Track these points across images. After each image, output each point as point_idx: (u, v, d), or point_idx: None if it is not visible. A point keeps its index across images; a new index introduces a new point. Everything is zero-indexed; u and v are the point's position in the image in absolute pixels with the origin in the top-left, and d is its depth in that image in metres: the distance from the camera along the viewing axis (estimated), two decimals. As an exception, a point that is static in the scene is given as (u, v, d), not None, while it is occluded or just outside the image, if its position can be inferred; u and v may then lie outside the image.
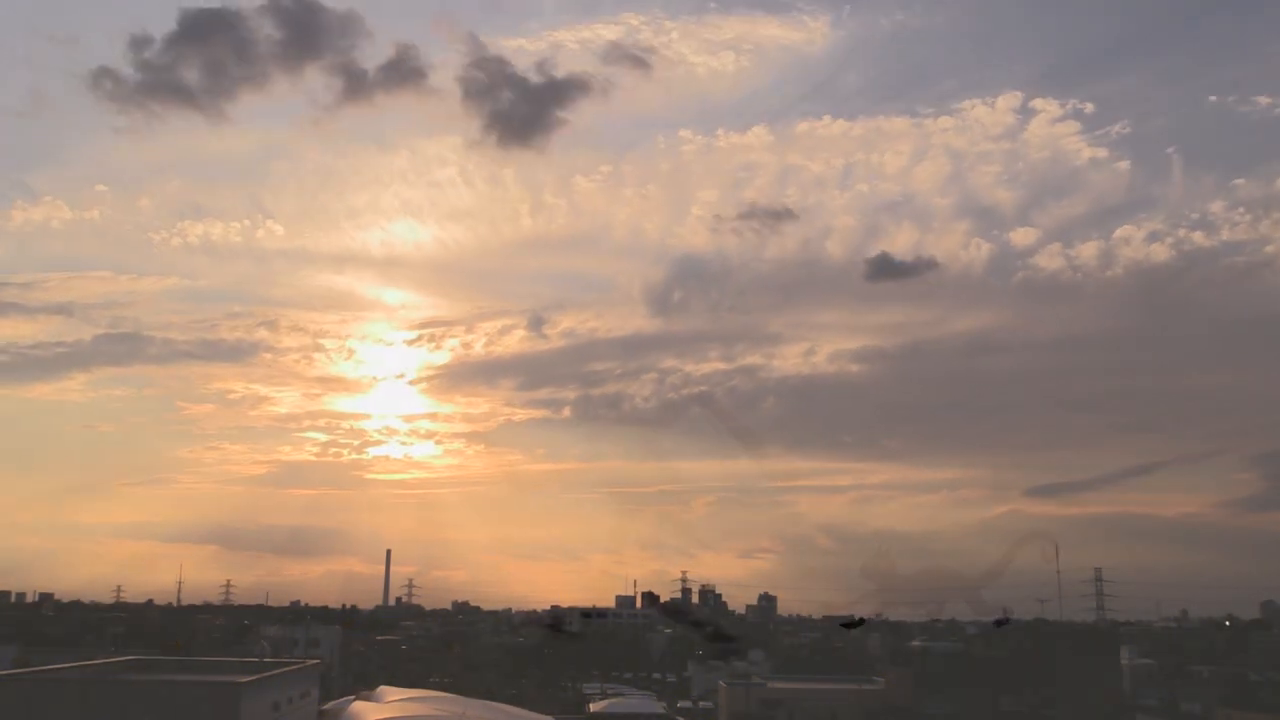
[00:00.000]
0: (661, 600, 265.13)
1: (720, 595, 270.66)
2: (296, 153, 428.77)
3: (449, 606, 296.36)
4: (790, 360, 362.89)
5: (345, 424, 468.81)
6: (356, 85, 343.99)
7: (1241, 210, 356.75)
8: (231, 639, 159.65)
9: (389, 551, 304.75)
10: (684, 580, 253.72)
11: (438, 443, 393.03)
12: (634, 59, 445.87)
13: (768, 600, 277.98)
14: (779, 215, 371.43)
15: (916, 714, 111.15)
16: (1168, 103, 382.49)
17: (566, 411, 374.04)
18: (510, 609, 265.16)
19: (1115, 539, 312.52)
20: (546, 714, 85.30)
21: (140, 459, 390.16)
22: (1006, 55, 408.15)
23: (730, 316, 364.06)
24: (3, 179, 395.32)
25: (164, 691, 49.94)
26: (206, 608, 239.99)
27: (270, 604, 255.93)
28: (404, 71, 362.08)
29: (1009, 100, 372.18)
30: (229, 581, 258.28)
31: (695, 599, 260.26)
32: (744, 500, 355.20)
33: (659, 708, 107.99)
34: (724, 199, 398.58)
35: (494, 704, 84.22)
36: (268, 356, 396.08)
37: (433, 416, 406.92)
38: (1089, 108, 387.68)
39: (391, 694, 75.84)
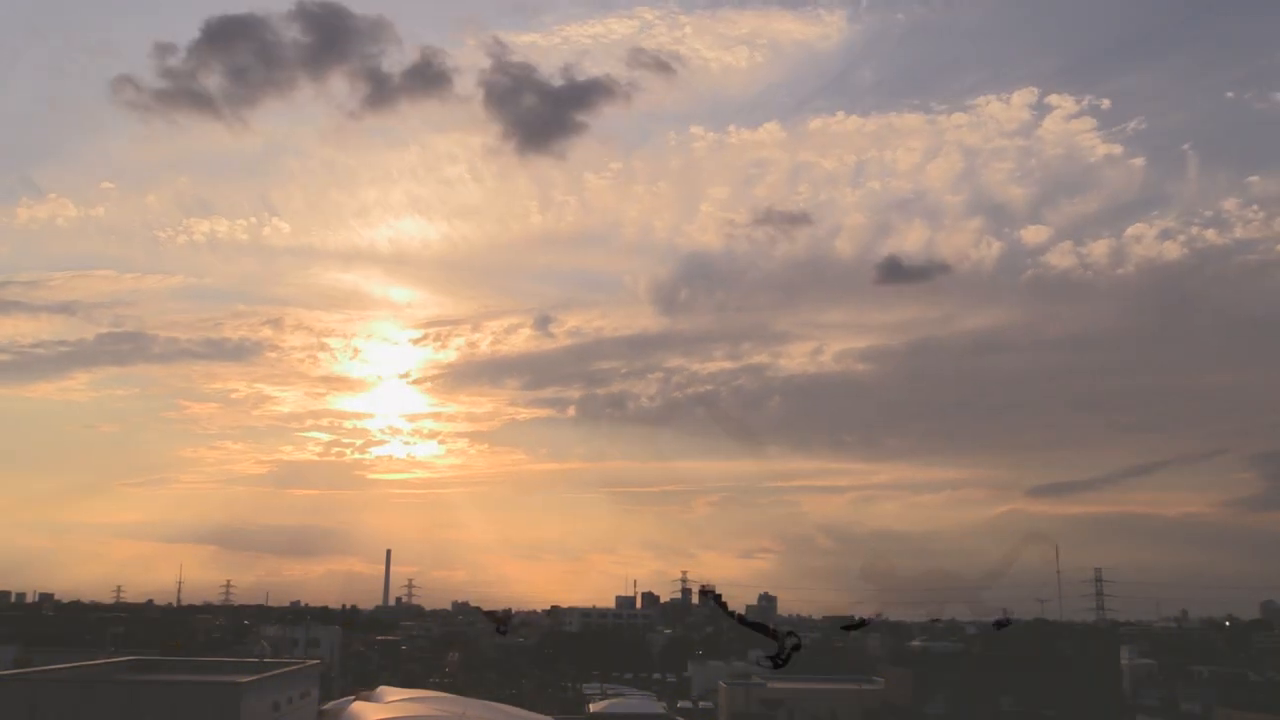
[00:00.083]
0: (663, 600, 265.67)
1: (720, 595, 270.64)
2: (304, 150, 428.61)
3: (449, 607, 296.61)
4: (796, 359, 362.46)
5: (348, 423, 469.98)
6: (379, 90, 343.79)
7: (1255, 207, 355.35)
8: (231, 639, 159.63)
9: (389, 551, 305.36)
10: (684, 580, 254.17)
11: (441, 442, 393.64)
12: (648, 56, 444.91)
13: (767, 600, 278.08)
14: (794, 219, 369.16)
15: (916, 714, 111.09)
16: (1184, 98, 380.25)
17: (571, 411, 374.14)
18: (510, 609, 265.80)
19: (1116, 539, 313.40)
20: (546, 714, 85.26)
21: (142, 459, 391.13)
22: (1024, 50, 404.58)
23: (738, 315, 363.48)
24: (9, 176, 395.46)
25: (164, 691, 49.93)
26: (206, 608, 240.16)
27: (270, 604, 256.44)
28: (428, 75, 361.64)
29: (1025, 96, 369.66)
30: (229, 581, 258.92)
31: (695, 599, 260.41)
32: (745, 500, 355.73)
33: (659, 708, 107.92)
34: (734, 196, 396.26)
35: (494, 704, 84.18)
36: (272, 356, 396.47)
37: (436, 416, 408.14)
38: (1105, 104, 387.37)
39: (391, 694, 75.79)
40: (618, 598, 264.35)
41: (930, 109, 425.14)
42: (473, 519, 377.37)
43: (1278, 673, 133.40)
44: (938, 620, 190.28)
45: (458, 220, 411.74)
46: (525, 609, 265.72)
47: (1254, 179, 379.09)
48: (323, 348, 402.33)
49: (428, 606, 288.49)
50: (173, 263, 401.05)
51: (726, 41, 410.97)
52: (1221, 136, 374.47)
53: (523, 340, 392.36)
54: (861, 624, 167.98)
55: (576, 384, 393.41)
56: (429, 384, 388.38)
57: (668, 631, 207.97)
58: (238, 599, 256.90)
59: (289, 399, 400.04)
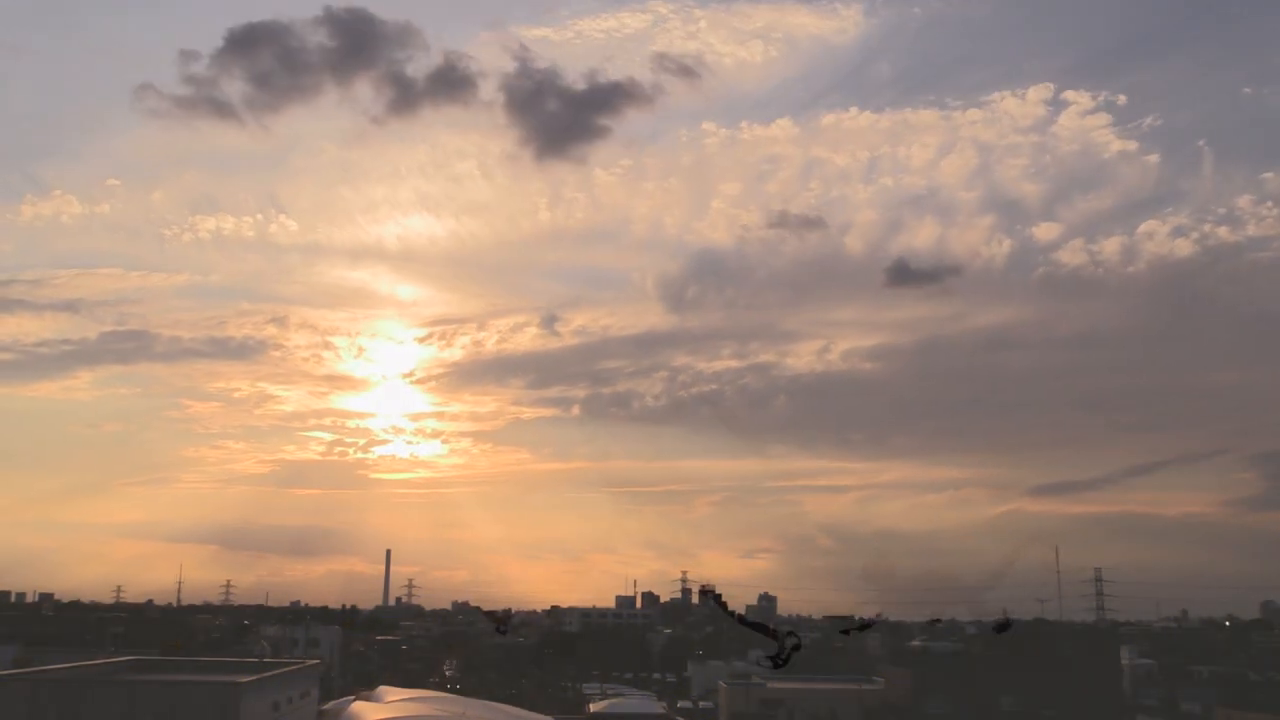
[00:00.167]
0: (663, 600, 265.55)
1: (719, 595, 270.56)
2: (313, 147, 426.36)
3: (449, 606, 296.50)
4: (804, 358, 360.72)
5: (351, 423, 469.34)
6: (404, 94, 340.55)
7: (1270, 204, 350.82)
8: (231, 639, 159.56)
9: (389, 551, 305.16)
10: (684, 580, 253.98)
11: (444, 441, 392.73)
12: (672, 62, 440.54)
13: (767, 600, 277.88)
14: (805, 216, 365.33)
15: (916, 714, 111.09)
16: (1200, 95, 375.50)
17: (576, 410, 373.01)
18: (510, 609, 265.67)
19: (1116, 538, 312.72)
20: (546, 714, 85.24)
21: (143, 458, 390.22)
22: (1041, 45, 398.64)
23: (746, 313, 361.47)
24: (13, 172, 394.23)
25: (164, 691, 49.91)
26: (206, 608, 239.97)
27: (270, 604, 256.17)
28: (449, 79, 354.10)
29: (1040, 92, 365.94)
30: (229, 581, 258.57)
31: (695, 599, 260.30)
32: (748, 500, 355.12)
33: (659, 708, 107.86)
34: (746, 193, 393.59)
35: (494, 704, 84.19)
36: (276, 354, 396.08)
37: (440, 415, 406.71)
38: (1121, 99, 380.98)
39: (391, 694, 75.81)
40: (618, 597, 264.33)
41: (945, 105, 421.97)
42: (475, 519, 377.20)
43: (1278, 673, 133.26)
44: (938, 621, 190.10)
45: (466, 217, 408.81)
46: (525, 609, 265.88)
47: (1268, 175, 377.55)
48: (327, 346, 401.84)
49: (428, 606, 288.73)
50: (178, 260, 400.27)
51: (741, 36, 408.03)
52: (1237, 133, 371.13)
53: (529, 339, 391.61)
54: (863, 626, 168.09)
55: (582, 383, 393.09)
56: (433, 383, 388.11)
57: (668, 631, 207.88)
58: (238, 599, 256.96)
59: (292, 398, 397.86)
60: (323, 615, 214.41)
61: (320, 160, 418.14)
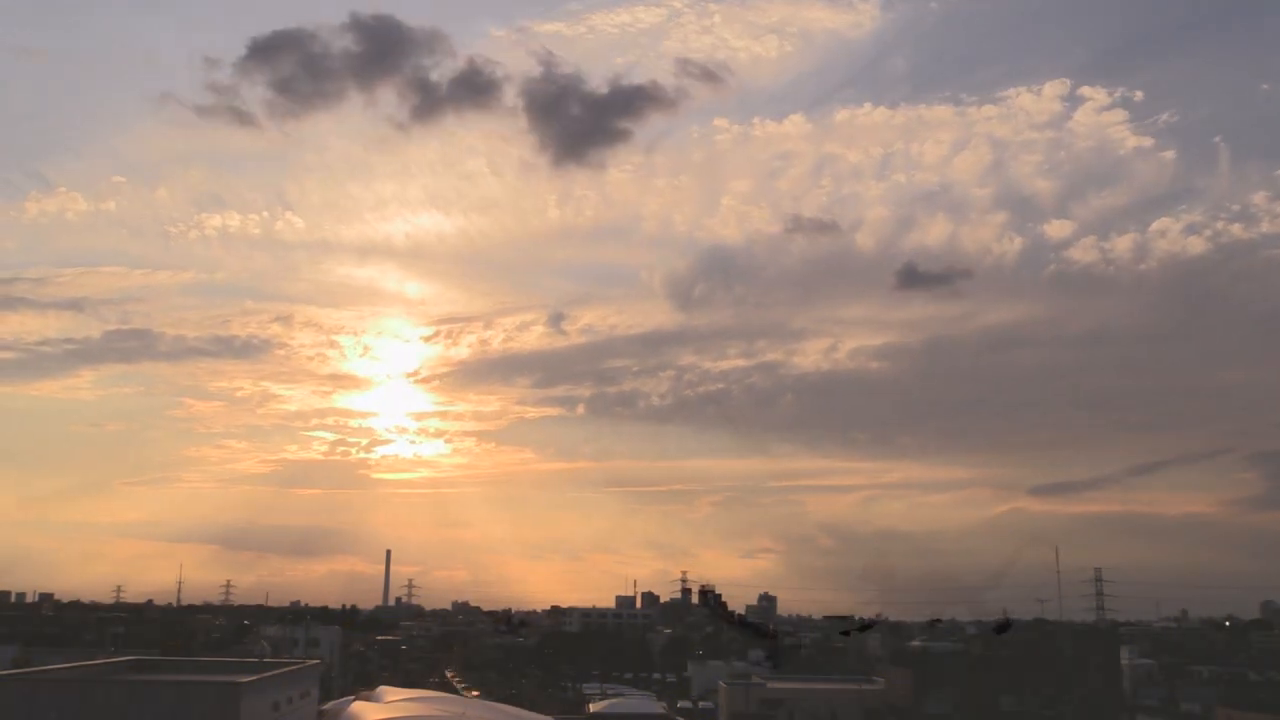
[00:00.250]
0: (663, 600, 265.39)
1: (720, 595, 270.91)
2: (321, 144, 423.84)
3: (449, 606, 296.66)
4: (811, 357, 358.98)
5: (354, 422, 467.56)
6: (428, 100, 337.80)
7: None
8: (231, 639, 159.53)
9: (389, 552, 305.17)
10: (684, 580, 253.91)
11: (447, 441, 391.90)
12: (695, 67, 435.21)
13: (767, 600, 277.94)
14: (817, 214, 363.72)
15: (916, 714, 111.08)
16: (1217, 90, 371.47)
17: (580, 409, 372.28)
18: (510, 609, 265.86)
19: (1117, 538, 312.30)
20: (546, 714, 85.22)
21: (145, 458, 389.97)
22: (1058, 40, 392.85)
23: (754, 312, 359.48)
24: (18, 170, 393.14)
25: (164, 691, 49.85)
26: (206, 608, 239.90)
27: (270, 604, 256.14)
28: (474, 83, 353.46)
29: (1056, 87, 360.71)
30: (229, 581, 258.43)
31: (695, 599, 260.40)
32: (750, 500, 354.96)
33: (659, 708, 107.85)
34: (757, 190, 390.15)
35: (494, 704, 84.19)
36: (280, 353, 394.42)
37: (443, 415, 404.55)
38: (1138, 95, 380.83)
39: (391, 694, 75.72)
40: (618, 597, 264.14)
41: (960, 101, 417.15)
42: (476, 519, 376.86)
43: (1278, 673, 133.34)
44: (938, 621, 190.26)
45: (475, 215, 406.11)
46: (525, 609, 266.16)
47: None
48: (332, 345, 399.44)
49: (428, 606, 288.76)
50: (183, 258, 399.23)
51: (756, 30, 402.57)
52: (1253, 129, 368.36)
53: (535, 338, 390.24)
54: (864, 626, 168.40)
55: (587, 382, 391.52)
56: (437, 382, 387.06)
57: (668, 631, 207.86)
58: (238, 599, 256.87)
59: (295, 397, 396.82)
60: (323, 615, 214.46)
61: (329, 157, 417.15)
